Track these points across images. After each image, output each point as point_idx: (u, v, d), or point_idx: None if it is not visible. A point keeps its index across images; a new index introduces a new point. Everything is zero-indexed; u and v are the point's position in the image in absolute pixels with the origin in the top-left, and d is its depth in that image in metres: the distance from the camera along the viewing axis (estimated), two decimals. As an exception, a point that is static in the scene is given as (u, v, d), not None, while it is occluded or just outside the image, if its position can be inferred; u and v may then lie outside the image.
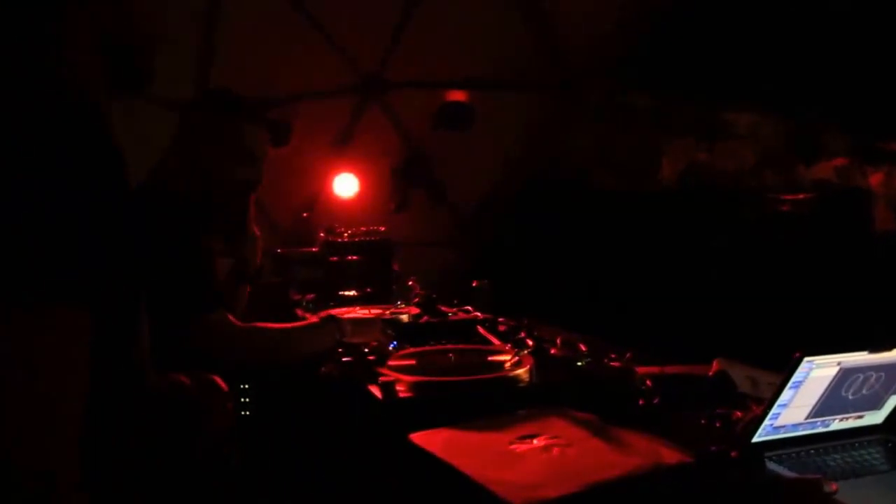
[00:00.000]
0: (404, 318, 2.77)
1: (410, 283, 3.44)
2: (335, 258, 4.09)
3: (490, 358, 2.27)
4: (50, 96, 1.14)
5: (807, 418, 1.70)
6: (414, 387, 1.99)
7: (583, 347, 2.35)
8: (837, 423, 1.75)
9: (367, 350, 2.39)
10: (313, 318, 2.47)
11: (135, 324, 1.26)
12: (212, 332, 2.17)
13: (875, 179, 4.10)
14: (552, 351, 2.37)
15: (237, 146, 2.34)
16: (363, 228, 4.54)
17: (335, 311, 2.66)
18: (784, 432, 1.69)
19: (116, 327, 1.16)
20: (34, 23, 1.20)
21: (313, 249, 4.32)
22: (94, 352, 1.07)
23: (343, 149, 5.50)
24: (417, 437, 1.69)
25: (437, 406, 1.91)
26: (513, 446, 1.64)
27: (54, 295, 1.01)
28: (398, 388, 1.98)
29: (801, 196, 4.39)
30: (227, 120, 2.33)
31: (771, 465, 1.58)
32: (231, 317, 2.30)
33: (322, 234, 4.21)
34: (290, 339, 2.32)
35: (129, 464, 1.26)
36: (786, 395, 1.63)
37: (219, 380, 1.77)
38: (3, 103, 1.10)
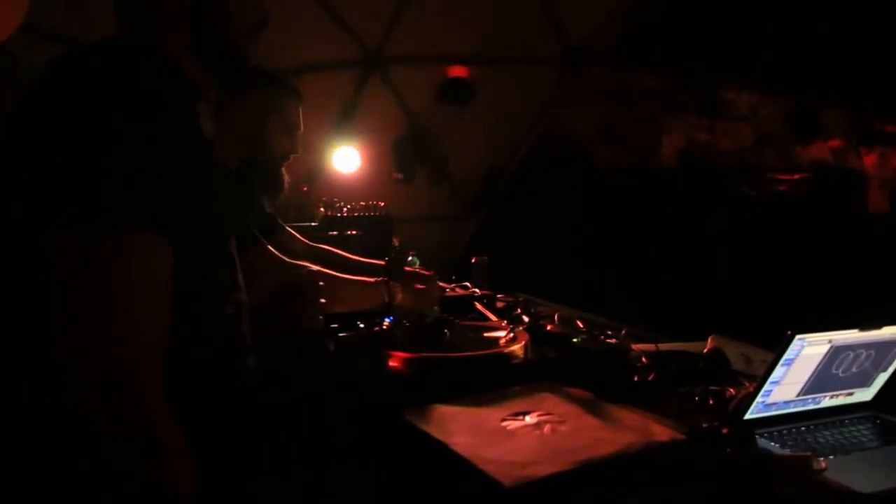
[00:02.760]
0: None
1: (410, 257, 3.44)
2: (334, 232, 4.09)
3: (485, 334, 2.28)
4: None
5: (798, 395, 1.71)
6: (408, 362, 2.00)
7: (580, 324, 2.36)
8: (828, 401, 1.77)
9: (414, 318, 2.37)
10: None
11: (213, 260, 1.34)
12: (263, 257, 2.29)
13: (869, 161, 4.11)
14: (548, 327, 2.38)
15: (284, 120, 2.49)
16: (363, 203, 4.55)
17: None
18: (775, 409, 1.70)
19: (196, 261, 1.24)
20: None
21: (313, 224, 4.32)
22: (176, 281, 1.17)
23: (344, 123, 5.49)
24: (410, 414, 1.70)
25: (431, 382, 1.92)
26: (505, 423, 1.64)
27: (139, 223, 1.11)
28: (392, 363, 1.99)
29: (797, 176, 4.40)
30: (275, 96, 2.48)
31: (762, 442, 1.60)
32: (272, 249, 2.39)
33: (322, 209, 4.21)
34: (337, 284, 2.32)
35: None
36: (777, 372, 1.64)
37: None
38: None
